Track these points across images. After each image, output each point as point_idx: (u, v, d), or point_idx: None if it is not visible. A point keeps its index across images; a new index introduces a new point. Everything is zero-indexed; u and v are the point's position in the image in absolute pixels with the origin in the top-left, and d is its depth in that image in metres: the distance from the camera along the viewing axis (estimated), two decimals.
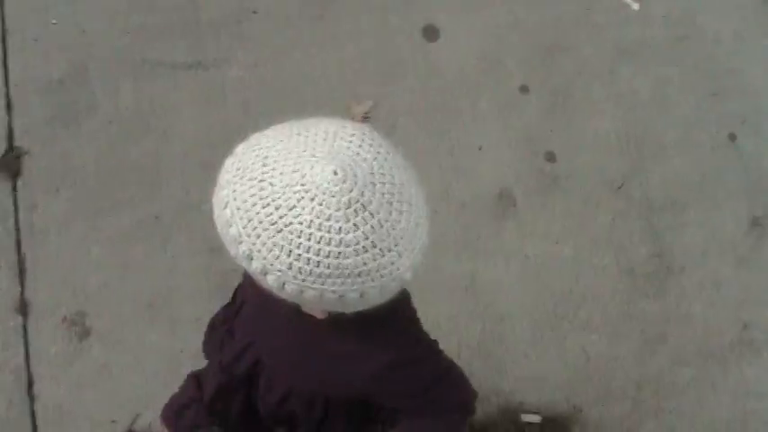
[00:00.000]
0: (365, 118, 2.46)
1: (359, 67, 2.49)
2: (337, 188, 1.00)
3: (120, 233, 2.29)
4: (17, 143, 2.36)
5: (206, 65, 2.45)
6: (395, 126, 2.44)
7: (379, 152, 1.05)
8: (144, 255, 2.26)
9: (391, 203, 1.03)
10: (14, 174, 2.33)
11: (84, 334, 2.23)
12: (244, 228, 1.02)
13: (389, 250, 1.03)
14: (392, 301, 1.10)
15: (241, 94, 2.43)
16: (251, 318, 1.37)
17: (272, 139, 1.04)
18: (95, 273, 2.28)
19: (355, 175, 1.01)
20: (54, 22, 2.45)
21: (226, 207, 1.04)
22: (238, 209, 1.02)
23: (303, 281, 1.03)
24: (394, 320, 1.15)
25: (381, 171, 1.03)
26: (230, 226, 1.04)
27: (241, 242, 1.03)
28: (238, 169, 1.04)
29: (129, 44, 2.46)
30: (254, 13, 2.50)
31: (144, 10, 2.47)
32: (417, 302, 1.29)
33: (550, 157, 2.47)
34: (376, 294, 1.05)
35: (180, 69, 2.44)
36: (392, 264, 1.04)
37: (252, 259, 1.03)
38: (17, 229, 2.30)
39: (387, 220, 1.02)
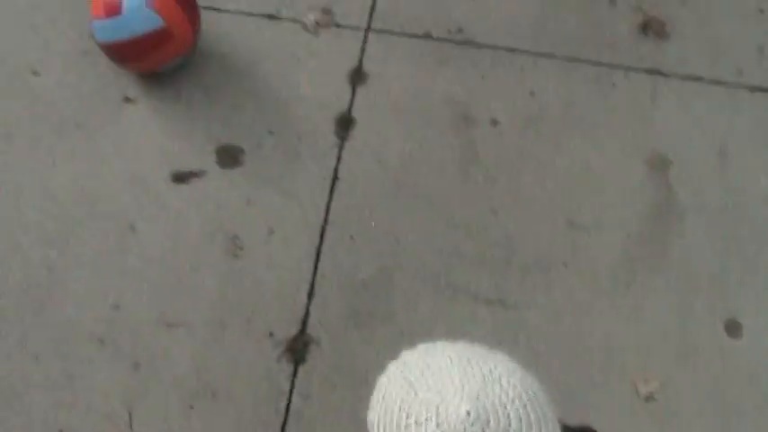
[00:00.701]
0: (649, 397, 2.39)
1: (654, 344, 2.46)
2: (462, 426, 1.05)
3: None
4: (309, 330, 2.40)
5: (507, 305, 2.47)
6: (676, 413, 2.37)
7: (528, 414, 1.07)
8: None
9: None
10: (299, 359, 2.36)
11: None
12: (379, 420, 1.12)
13: None
14: None
15: (534, 340, 2.42)
16: None
17: (441, 357, 1.13)
18: None
19: (488, 423, 1.05)
20: (374, 224, 2.54)
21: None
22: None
23: None
24: None
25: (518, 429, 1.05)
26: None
27: None
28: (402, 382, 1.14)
29: (438, 264, 2.51)
30: (565, 266, 2.53)
31: (460, 236, 2.54)
32: None
33: None
34: None
35: (480, 302, 2.47)
36: None
37: None
38: (286, 414, 2.30)
39: None
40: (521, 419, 1.07)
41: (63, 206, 2.56)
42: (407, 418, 1.10)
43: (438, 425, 1.07)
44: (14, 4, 2.92)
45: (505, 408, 1.07)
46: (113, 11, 2.53)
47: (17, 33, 2.86)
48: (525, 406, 1.08)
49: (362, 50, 2.83)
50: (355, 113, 2.71)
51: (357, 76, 2.78)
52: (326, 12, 2.90)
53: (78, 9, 2.84)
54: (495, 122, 2.72)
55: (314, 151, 2.64)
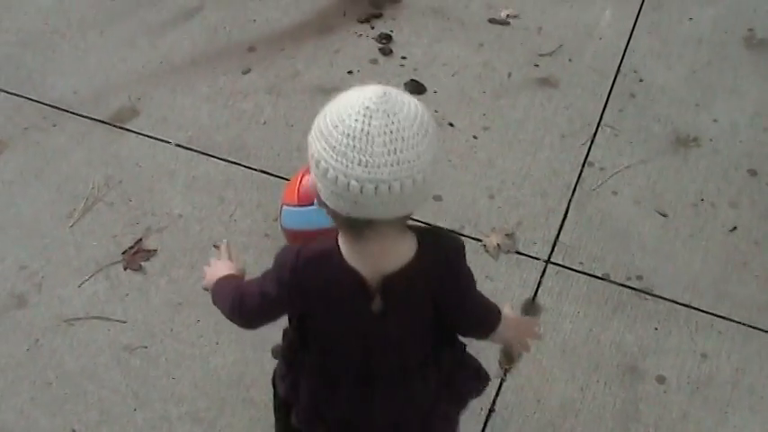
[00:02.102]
0: None
1: None
2: (372, 96, 1.43)
3: None
4: None
5: None
6: None
7: (419, 131, 1.45)
8: None
9: (386, 133, 1.41)
10: None
11: None
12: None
13: (359, 153, 1.42)
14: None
15: None
16: None
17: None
18: None
19: (388, 102, 1.42)
20: None
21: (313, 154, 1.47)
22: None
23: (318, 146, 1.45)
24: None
25: (403, 121, 1.43)
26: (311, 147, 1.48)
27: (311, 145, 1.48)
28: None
29: None
30: None
31: None
32: None
33: None
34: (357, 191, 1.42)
35: None
36: (347, 167, 1.43)
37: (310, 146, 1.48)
38: None
39: (371, 137, 1.41)
40: (407, 116, 1.44)
41: (218, 386, 2.60)
42: (347, 95, 1.46)
43: (359, 94, 1.45)
44: (209, 177, 3.06)
45: (403, 105, 1.44)
46: (306, 200, 2.59)
47: (207, 203, 2.98)
48: (422, 126, 1.45)
49: (539, 282, 2.85)
50: None
51: (530, 308, 2.78)
52: (509, 236, 2.94)
53: (268, 190, 2.96)
54: (661, 379, 2.67)
55: None
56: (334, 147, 1.43)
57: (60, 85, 3.40)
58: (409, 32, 3.58)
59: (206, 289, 1.96)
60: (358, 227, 1.54)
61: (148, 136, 3.20)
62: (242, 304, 1.81)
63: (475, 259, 2.81)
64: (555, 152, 3.22)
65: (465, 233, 2.96)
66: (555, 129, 3.29)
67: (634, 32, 3.69)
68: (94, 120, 3.27)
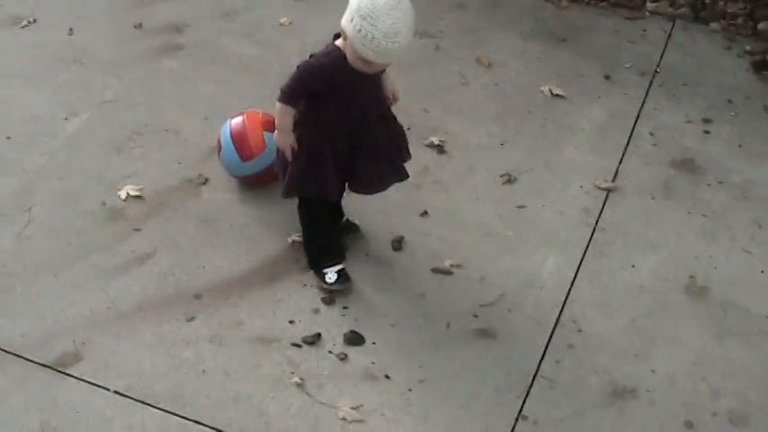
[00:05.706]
0: None
1: None
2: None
3: None
4: None
5: None
6: None
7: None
8: None
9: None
10: None
11: None
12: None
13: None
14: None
15: None
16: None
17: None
18: None
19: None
20: None
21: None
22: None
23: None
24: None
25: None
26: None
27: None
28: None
29: None
30: None
31: None
32: None
33: None
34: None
35: None
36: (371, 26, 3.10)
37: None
38: None
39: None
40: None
41: None
42: None
43: None
44: (144, 426, 3.22)
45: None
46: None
47: None
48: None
49: None
50: None
51: None
52: None
53: None
54: None
55: None
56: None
57: (9, 328, 3.62)
58: (356, 280, 3.86)
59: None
60: None
61: (88, 382, 3.41)
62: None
63: None
64: (489, 405, 3.42)
65: None
66: (491, 381, 3.51)
67: (575, 282, 3.96)
68: (37, 364, 3.48)
